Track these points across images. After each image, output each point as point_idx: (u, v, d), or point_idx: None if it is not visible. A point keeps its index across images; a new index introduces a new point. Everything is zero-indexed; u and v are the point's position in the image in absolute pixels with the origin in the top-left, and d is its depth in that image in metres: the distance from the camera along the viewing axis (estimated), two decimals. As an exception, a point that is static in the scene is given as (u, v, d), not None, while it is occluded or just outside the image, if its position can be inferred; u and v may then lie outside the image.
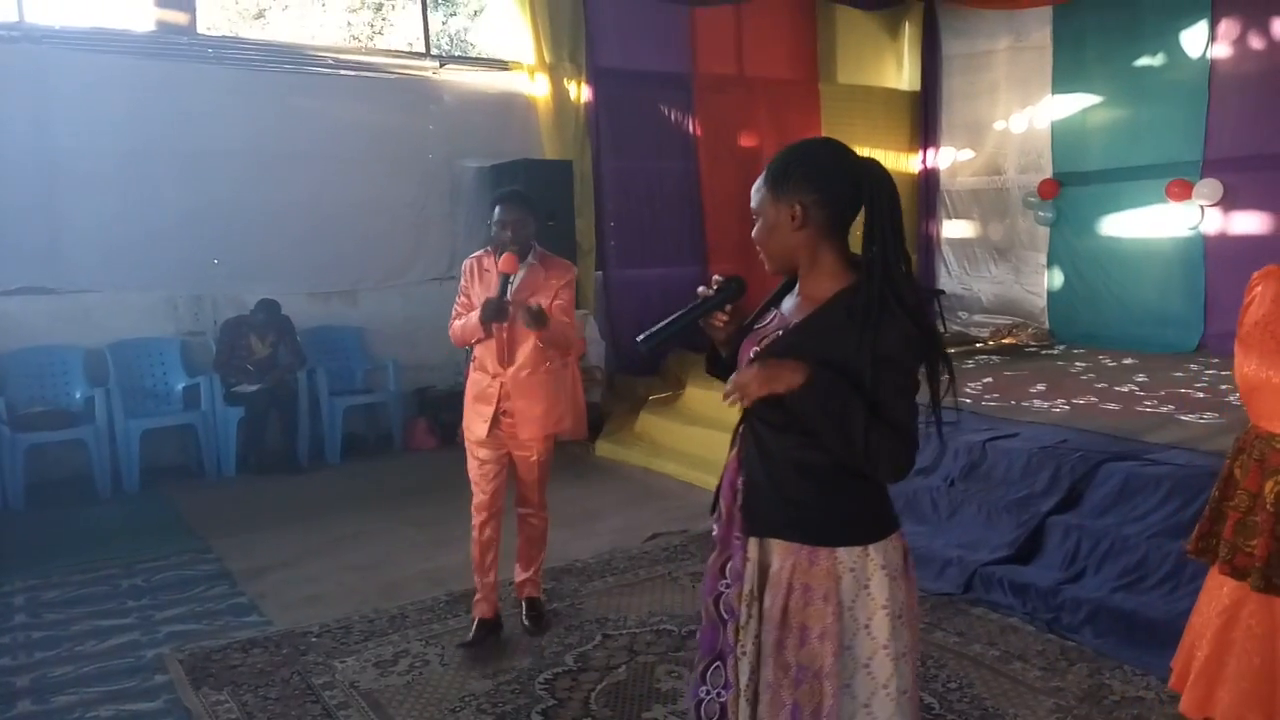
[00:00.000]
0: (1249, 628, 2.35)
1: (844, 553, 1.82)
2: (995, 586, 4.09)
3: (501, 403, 3.75)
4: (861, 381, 1.76)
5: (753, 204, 1.93)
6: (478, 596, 3.87)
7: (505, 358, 3.76)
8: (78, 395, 6.38)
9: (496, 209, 3.72)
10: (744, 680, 1.91)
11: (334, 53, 7.47)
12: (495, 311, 3.61)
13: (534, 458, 3.84)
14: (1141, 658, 3.47)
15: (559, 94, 8.10)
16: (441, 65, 7.77)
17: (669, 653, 3.69)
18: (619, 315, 8.43)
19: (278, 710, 3.31)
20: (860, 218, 1.87)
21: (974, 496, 4.69)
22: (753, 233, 1.94)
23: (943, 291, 10.35)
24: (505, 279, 3.62)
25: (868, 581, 1.81)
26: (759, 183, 1.91)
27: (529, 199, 3.82)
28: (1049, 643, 3.69)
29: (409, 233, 7.66)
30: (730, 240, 9.05)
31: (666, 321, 2.03)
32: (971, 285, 9.87)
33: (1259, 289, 2.41)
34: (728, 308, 2.02)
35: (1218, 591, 2.44)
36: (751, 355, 1.93)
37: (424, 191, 7.72)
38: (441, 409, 7.55)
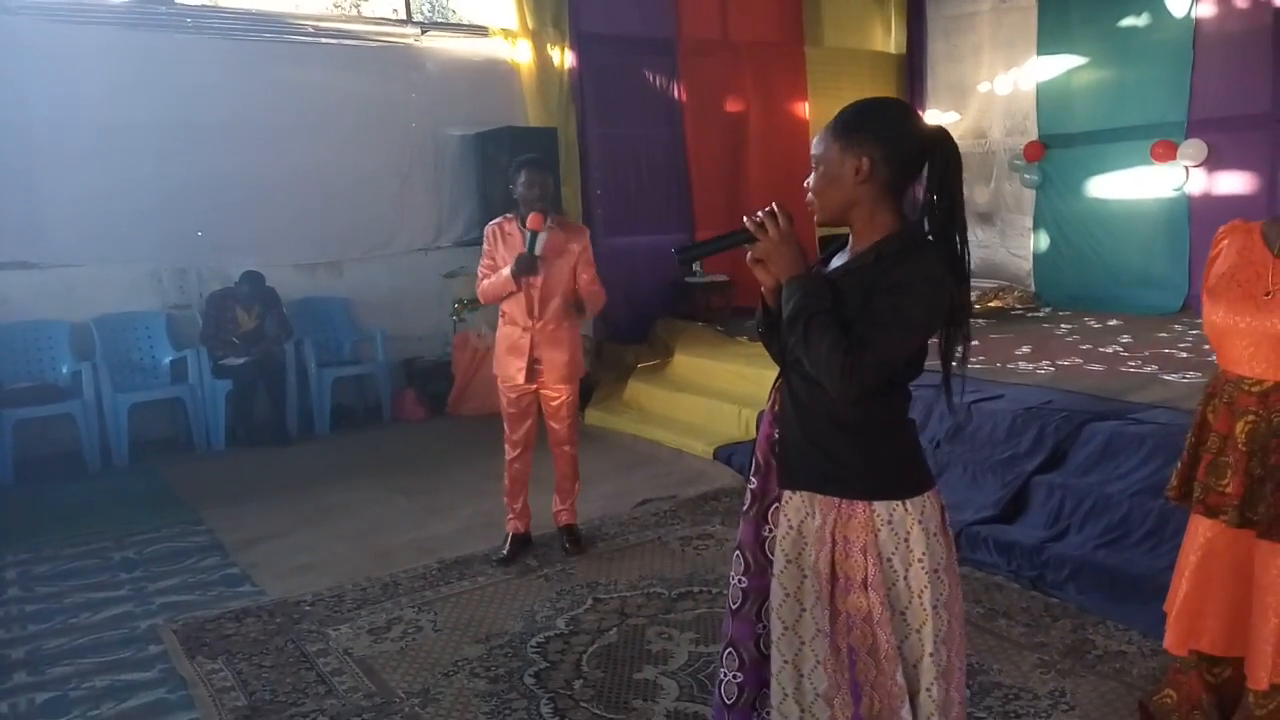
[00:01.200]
0: (1225, 562, 2.43)
1: (881, 506, 1.86)
2: (981, 545, 4.14)
3: (533, 351, 4.22)
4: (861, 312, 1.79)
5: (814, 151, 1.92)
6: (510, 517, 4.42)
7: (535, 311, 4.23)
8: (64, 370, 6.37)
9: (522, 173, 4.15)
10: (778, 630, 1.95)
11: (314, 20, 7.38)
12: (527, 265, 4.08)
13: (563, 398, 4.34)
14: (1124, 613, 3.53)
15: (542, 60, 8.05)
16: (423, 32, 7.70)
17: (659, 615, 3.74)
18: (606, 283, 8.20)
19: (272, 678, 3.35)
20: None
21: (960, 458, 4.73)
22: (809, 180, 1.93)
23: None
24: (533, 235, 4.08)
25: (907, 535, 1.85)
26: (824, 131, 1.91)
27: (547, 164, 4.36)
28: (1033, 599, 3.75)
29: (393, 203, 7.62)
30: (717, 206, 9.04)
31: (709, 239, 2.09)
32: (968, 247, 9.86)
33: (1225, 242, 2.49)
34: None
35: (1196, 532, 2.52)
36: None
37: (408, 161, 7.67)
38: (430, 379, 7.57)
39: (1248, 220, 2.50)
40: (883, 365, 1.79)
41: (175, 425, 6.79)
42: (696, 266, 8.65)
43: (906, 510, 1.85)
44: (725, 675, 2.08)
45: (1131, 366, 5.67)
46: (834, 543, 1.88)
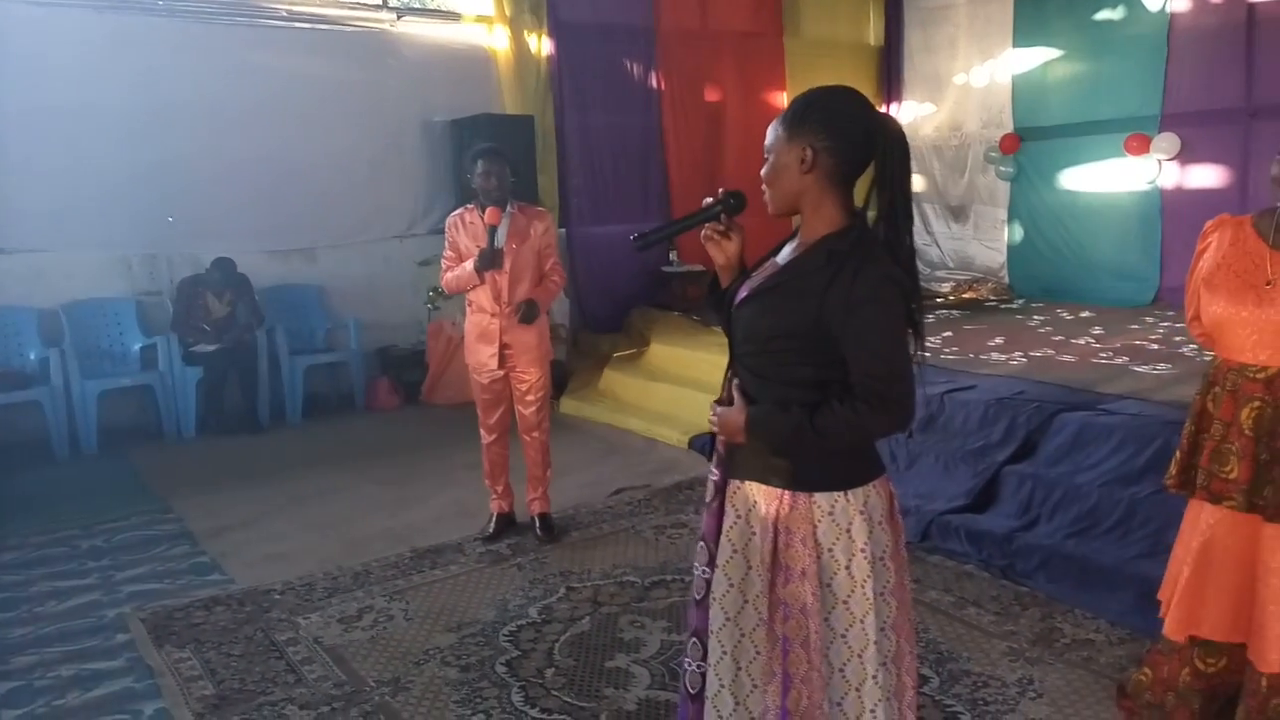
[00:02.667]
0: (1227, 547, 2.46)
1: (821, 498, 1.85)
2: (952, 535, 4.17)
3: (503, 336, 4.25)
4: (830, 330, 1.77)
5: (766, 141, 1.92)
6: (493, 498, 4.53)
7: (503, 298, 4.25)
8: (32, 356, 6.28)
9: (478, 163, 4.17)
10: (719, 621, 1.94)
11: (288, 4, 7.29)
12: (489, 260, 4.15)
13: (532, 381, 4.34)
14: (1092, 602, 3.56)
15: (519, 47, 8.00)
16: (399, 18, 7.63)
17: (632, 603, 3.74)
18: (583, 272, 8.39)
19: (241, 666, 3.32)
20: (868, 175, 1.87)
21: (932, 447, 4.75)
22: (762, 171, 1.93)
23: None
24: (492, 230, 4.15)
25: (848, 526, 1.84)
26: (775, 122, 1.91)
27: (504, 152, 4.32)
28: (1003, 588, 3.78)
29: (368, 189, 7.56)
30: (694, 196, 8.90)
31: (663, 224, 2.11)
32: (932, 241, 9.92)
33: (1214, 236, 2.52)
34: (724, 219, 2.04)
35: (1197, 519, 2.54)
36: (739, 298, 1.96)
37: (383, 147, 7.60)
38: (404, 368, 7.53)
39: (1235, 215, 2.54)
40: (903, 376, 1.79)
41: (145, 413, 6.71)
42: (673, 255, 8.65)
43: (849, 501, 1.85)
44: (690, 665, 2.07)
45: (1103, 358, 5.71)
46: (776, 532, 1.88)
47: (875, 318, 1.76)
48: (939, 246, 9.85)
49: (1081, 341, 6.30)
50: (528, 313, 4.24)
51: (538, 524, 4.49)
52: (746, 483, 1.94)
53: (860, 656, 1.86)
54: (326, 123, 7.29)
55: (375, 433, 6.67)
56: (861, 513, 1.85)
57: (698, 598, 2.08)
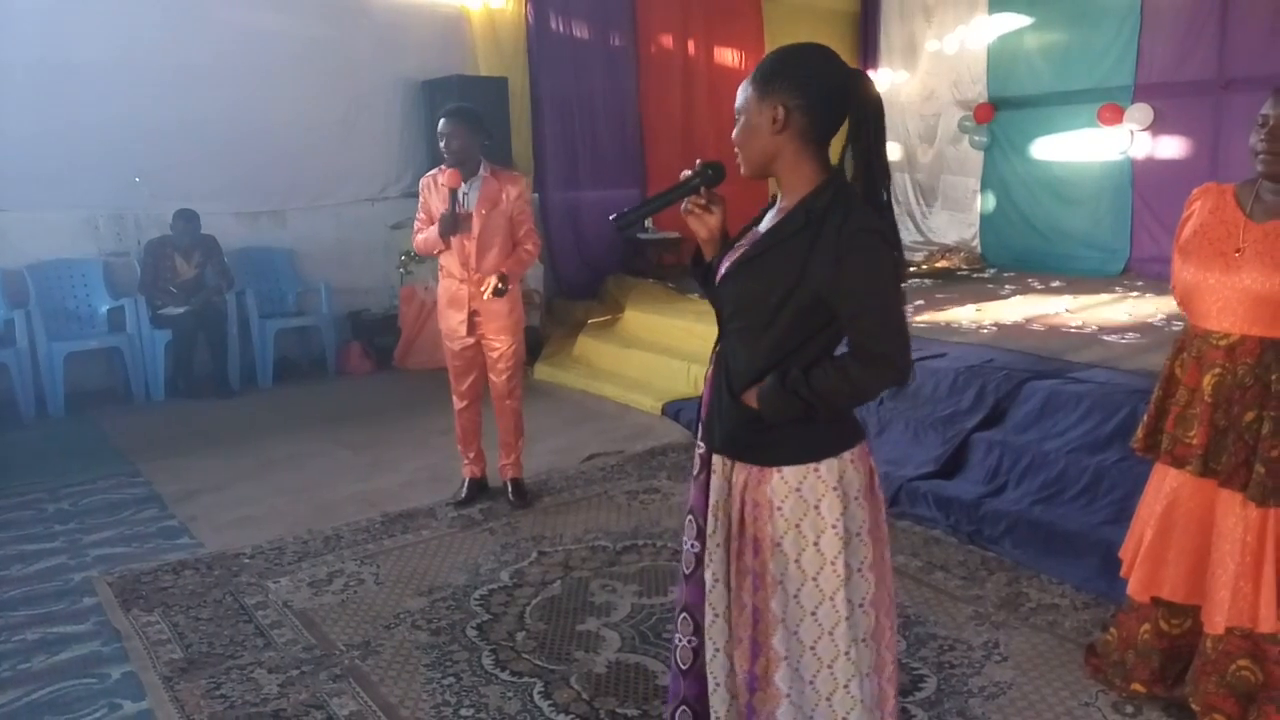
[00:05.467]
0: (1189, 511, 2.51)
1: (789, 471, 1.82)
2: (920, 500, 4.21)
3: (472, 302, 4.17)
4: (818, 293, 1.74)
5: (736, 103, 1.87)
6: (465, 463, 4.51)
7: (471, 264, 4.16)
8: (-4, 318, 6.19)
9: (440, 123, 4.09)
10: (709, 586, 1.94)
11: (258, -40, 7.15)
12: (450, 225, 4.07)
13: (503, 349, 4.28)
14: (1057, 567, 3.61)
15: (494, 7, 7.88)
16: (371, -24, 7.50)
17: (603, 568, 3.75)
18: (557, 239, 8.34)
19: (210, 630, 3.31)
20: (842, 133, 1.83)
21: (902, 414, 4.79)
22: (733, 134, 1.88)
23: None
24: (453, 194, 4.06)
25: (817, 501, 1.81)
26: (745, 82, 1.85)
27: (470, 113, 4.17)
28: (970, 554, 3.82)
29: (339, 151, 7.45)
30: (671, 161, 8.93)
31: (642, 202, 2.05)
32: (908, 207, 9.93)
33: (1198, 203, 2.54)
34: (703, 192, 1.98)
35: (1161, 482, 2.59)
36: (723, 270, 1.92)
37: (355, 108, 7.50)
38: (376, 332, 7.48)
39: (1220, 183, 2.55)
40: (898, 331, 1.75)
41: (113, 375, 6.64)
42: (647, 223, 8.61)
43: (820, 475, 1.81)
44: (680, 640, 2.06)
45: (1072, 327, 5.76)
46: (744, 504, 1.86)
47: (862, 271, 1.71)
48: (911, 216, 9.87)
49: (1051, 310, 6.35)
50: (497, 285, 4.10)
51: (510, 489, 4.47)
52: (723, 455, 1.92)
53: (831, 634, 1.83)
54: (297, 83, 7.17)
55: (347, 397, 6.63)
56: (835, 489, 1.81)
57: (686, 572, 2.07)
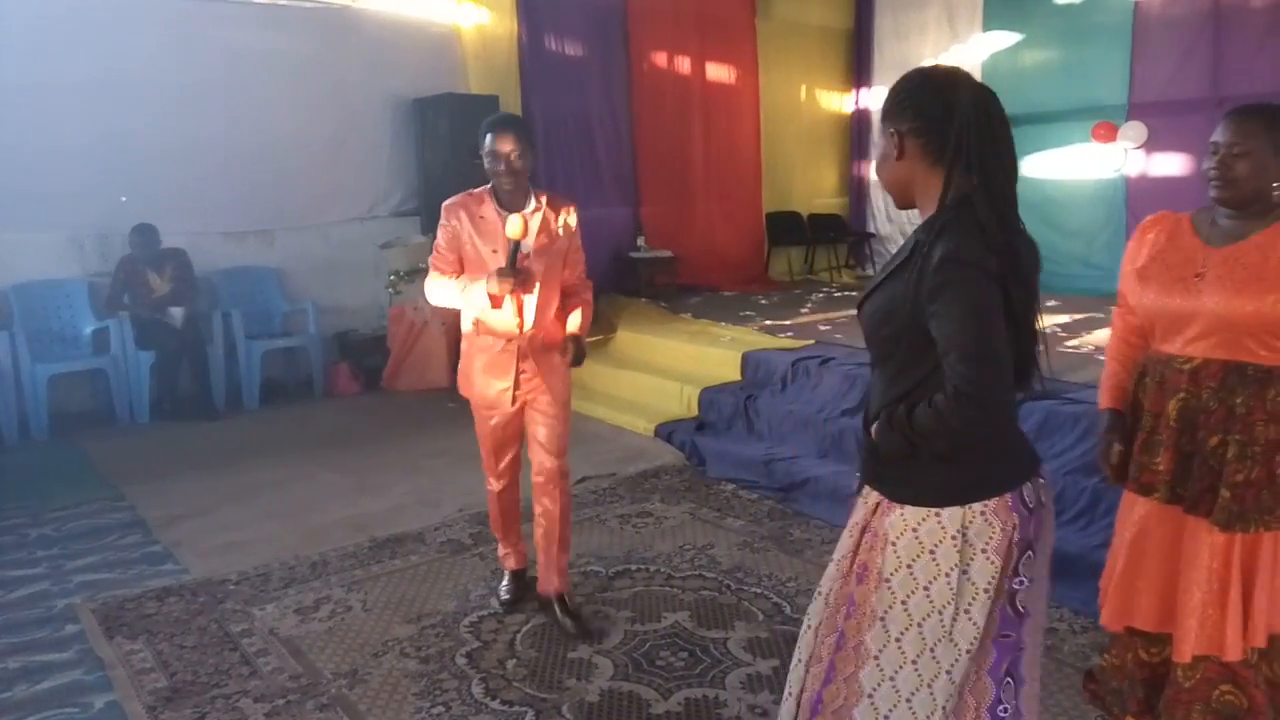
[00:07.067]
0: (1158, 538, 2.46)
1: (910, 512, 1.76)
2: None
3: (520, 364, 3.29)
4: (910, 316, 1.70)
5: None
6: (504, 551, 3.66)
7: (523, 322, 3.26)
8: (-20, 339, 6.11)
9: (488, 138, 3.16)
10: (814, 597, 1.93)
11: (246, -21, 7.13)
12: (513, 285, 3.07)
13: (554, 417, 3.38)
14: (1055, 590, 3.53)
15: (485, 25, 7.87)
16: (361, -6, 7.48)
17: (595, 593, 3.69)
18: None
19: (194, 658, 3.24)
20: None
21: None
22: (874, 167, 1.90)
23: (873, 234, 10.44)
24: (516, 246, 3.07)
25: (934, 547, 1.73)
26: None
27: (528, 126, 3.37)
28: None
29: (327, 170, 7.41)
30: (663, 180, 8.97)
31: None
32: (902, 227, 9.93)
33: (1151, 233, 2.55)
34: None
35: (1130, 510, 2.55)
36: (861, 297, 1.89)
37: (344, 127, 7.46)
38: (364, 353, 7.42)
39: (1175, 211, 2.55)
40: (983, 368, 1.63)
41: (97, 398, 6.56)
42: (640, 241, 8.59)
43: (939, 521, 1.73)
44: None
45: (1068, 347, 5.73)
46: (865, 531, 1.84)
47: (945, 303, 1.64)
48: (904, 235, 9.86)
49: (1046, 329, 6.30)
50: (578, 354, 3.30)
51: (557, 609, 3.46)
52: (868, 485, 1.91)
53: (930, 687, 1.74)
54: (286, 101, 7.13)
55: (334, 419, 6.56)
56: (954, 538, 1.72)
57: None
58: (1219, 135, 2.34)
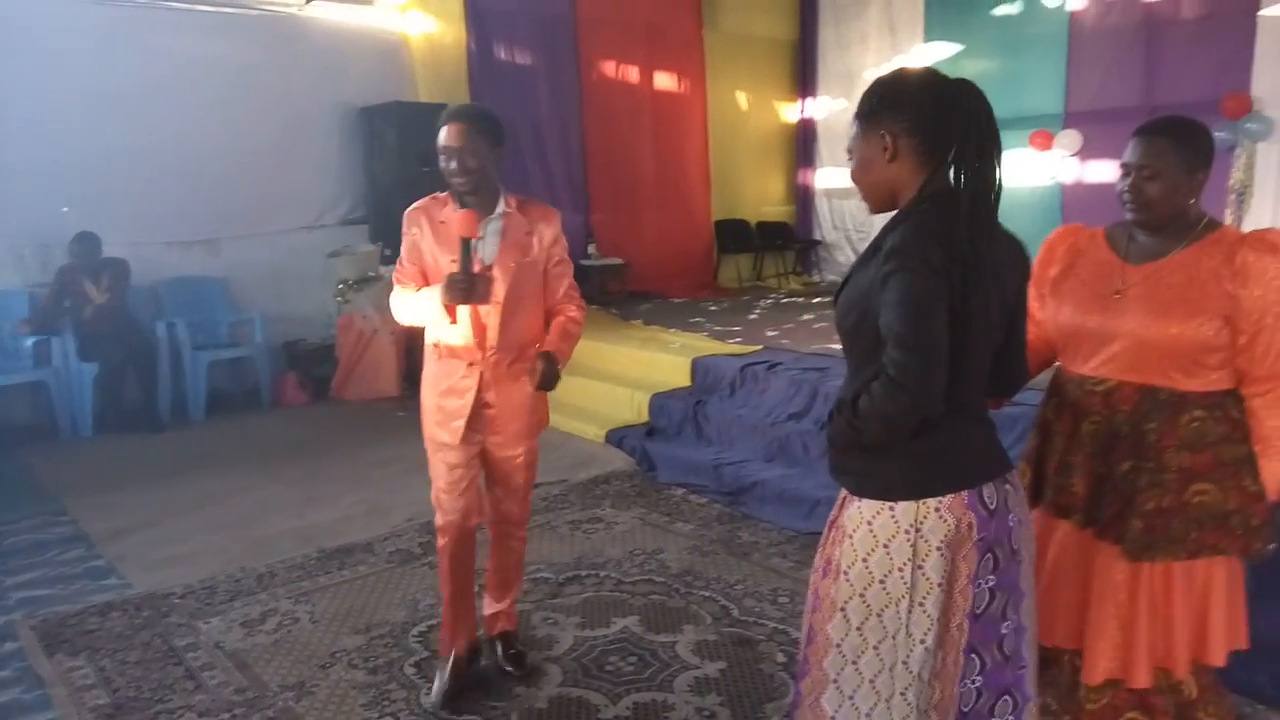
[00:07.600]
0: (1075, 560, 2.40)
1: (866, 504, 1.78)
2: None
3: (481, 393, 2.88)
4: (869, 306, 1.70)
5: (847, 145, 1.84)
6: (446, 631, 3.06)
7: (489, 340, 2.86)
8: (-85, 351, 5.98)
9: (440, 131, 2.75)
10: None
11: (191, -14, 7.05)
12: (464, 292, 2.66)
13: (520, 459, 3.02)
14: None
15: (434, 33, 7.86)
16: (308, 1, 7.42)
17: (545, 600, 3.70)
18: (498, 264, 8.27)
19: (138, 674, 3.20)
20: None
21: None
22: (850, 173, 1.85)
23: (819, 241, 10.56)
24: (467, 246, 2.67)
25: (888, 540, 1.74)
26: (851, 120, 1.82)
27: (485, 117, 2.80)
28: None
29: (275, 178, 7.34)
30: (612, 188, 9.01)
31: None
32: (848, 234, 10.07)
33: (1061, 248, 2.46)
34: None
35: (1050, 532, 2.44)
36: (834, 297, 1.90)
37: (291, 135, 7.41)
38: (312, 363, 7.36)
39: (1087, 226, 2.49)
40: (914, 351, 1.62)
41: (38, 410, 6.44)
42: (591, 249, 8.61)
43: (893, 515, 1.74)
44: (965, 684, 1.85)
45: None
46: (830, 525, 1.87)
47: (890, 290, 1.64)
48: (850, 242, 10.01)
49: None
50: (546, 375, 2.86)
51: (501, 647, 3.19)
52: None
53: (891, 671, 1.78)
54: (232, 109, 7.07)
55: (282, 430, 6.49)
56: (908, 533, 1.73)
57: (976, 611, 1.94)
58: (1129, 156, 2.28)
